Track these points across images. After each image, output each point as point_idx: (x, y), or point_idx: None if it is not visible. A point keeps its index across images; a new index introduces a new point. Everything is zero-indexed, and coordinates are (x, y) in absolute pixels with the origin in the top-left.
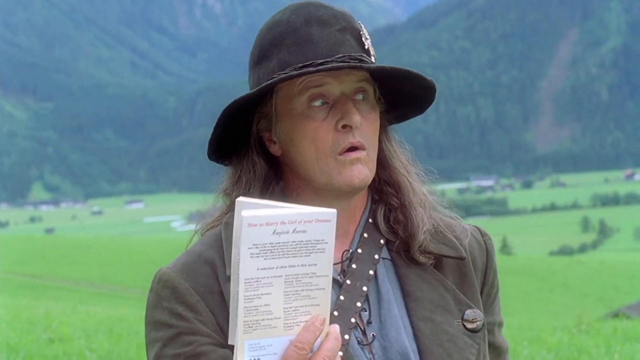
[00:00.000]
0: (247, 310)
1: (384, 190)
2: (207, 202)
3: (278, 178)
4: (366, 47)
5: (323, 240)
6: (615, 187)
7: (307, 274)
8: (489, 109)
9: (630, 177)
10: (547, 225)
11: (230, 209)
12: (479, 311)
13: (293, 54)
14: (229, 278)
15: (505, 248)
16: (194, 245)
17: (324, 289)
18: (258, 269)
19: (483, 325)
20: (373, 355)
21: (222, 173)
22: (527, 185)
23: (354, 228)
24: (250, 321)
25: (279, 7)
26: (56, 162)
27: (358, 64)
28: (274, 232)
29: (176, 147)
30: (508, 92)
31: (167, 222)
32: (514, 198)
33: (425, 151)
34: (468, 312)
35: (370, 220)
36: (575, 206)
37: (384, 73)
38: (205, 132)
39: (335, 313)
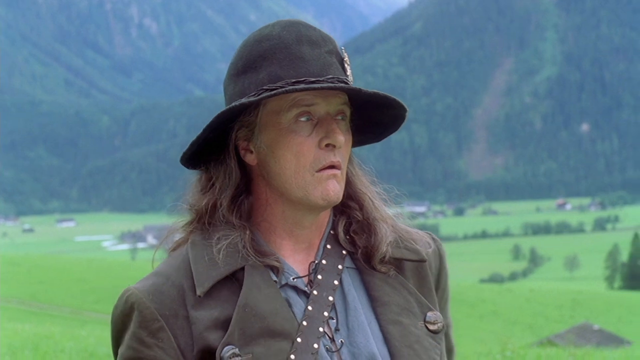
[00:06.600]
0: None
1: (348, 204)
2: (139, 222)
3: (247, 187)
4: (347, 72)
5: None
6: (547, 216)
7: None
8: (423, 136)
9: (561, 206)
10: (478, 253)
11: (196, 225)
12: (438, 313)
13: (285, 69)
14: (197, 301)
15: None
16: (162, 265)
17: None
18: None
19: (443, 327)
20: None
21: (170, 190)
22: (459, 212)
23: (318, 241)
24: None
25: (215, 29)
26: None
27: (356, 88)
28: None
29: (109, 167)
30: (442, 119)
31: (98, 241)
32: (445, 225)
33: None
34: (429, 314)
35: (332, 232)
36: (506, 234)
37: (376, 99)
38: (138, 152)
39: (304, 323)
